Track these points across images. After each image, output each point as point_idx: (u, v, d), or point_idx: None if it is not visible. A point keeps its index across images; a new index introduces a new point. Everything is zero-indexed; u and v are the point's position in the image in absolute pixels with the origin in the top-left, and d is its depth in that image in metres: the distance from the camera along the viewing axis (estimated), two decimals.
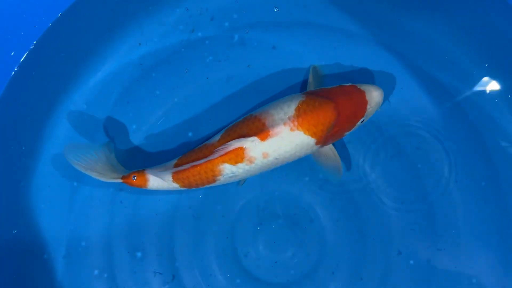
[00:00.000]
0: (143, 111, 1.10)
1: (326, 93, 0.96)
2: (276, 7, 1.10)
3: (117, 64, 1.10)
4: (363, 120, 0.98)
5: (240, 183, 1.07)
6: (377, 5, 1.08)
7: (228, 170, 0.96)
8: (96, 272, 1.08)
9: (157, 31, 1.10)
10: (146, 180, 1.01)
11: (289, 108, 0.95)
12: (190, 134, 1.10)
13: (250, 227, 1.09)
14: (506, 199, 1.07)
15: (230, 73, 1.10)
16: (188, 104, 1.10)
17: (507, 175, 1.07)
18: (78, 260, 1.08)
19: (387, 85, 1.08)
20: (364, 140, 1.09)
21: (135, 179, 1.00)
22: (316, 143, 0.96)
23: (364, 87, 0.97)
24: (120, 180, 1.01)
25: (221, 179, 0.99)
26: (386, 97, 1.08)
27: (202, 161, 0.96)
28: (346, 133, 1.00)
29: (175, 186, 1.00)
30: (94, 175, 1.00)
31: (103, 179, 1.00)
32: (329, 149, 1.01)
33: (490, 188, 1.08)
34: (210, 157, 0.95)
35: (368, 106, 0.96)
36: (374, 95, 0.96)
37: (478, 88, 1.08)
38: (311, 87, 1.05)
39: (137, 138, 1.10)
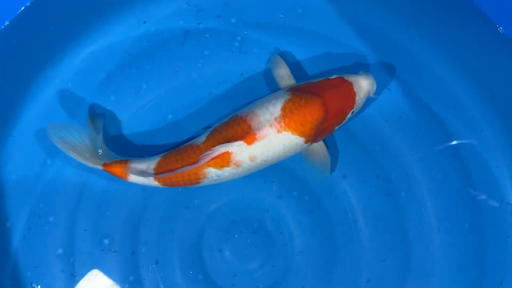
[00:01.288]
0: (131, 98, 1.07)
1: (312, 88, 0.92)
2: (282, 13, 1.07)
3: (118, 38, 1.08)
4: (353, 112, 0.95)
5: None
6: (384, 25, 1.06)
7: (213, 174, 0.93)
8: (60, 251, 1.06)
9: (156, 16, 1.08)
10: (127, 174, 0.97)
11: (275, 108, 0.91)
12: (174, 126, 1.07)
13: (220, 231, 1.07)
14: (485, 248, 1.05)
15: (223, 70, 1.07)
16: (177, 97, 1.07)
17: (490, 225, 1.05)
18: (41, 235, 1.06)
19: (386, 108, 1.05)
20: (348, 159, 1.06)
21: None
22: (306, 142, 0.93)
23: (351, 78, 0.93)
24: (100, 167, 0.97)
25: (205, 182, 0.95)
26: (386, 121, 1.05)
27: (186, 168, 0.92)
28: (337, 127, 0.97)
29: (155, 184, 0.97)
30: (75, 157, 0.96)
31: (85, 162, 0.97)
32: (319, 146, 0.98)
33: (471, 234, 1.05)
34: (195, 165, 0.91)
35: (357, 98, 0.93)
36: (362, 85, 0.93)
37: (476, 133, 1.06)
38: (284, 80, 1.00)
39: (122, 125, 1.07)
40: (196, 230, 1.07)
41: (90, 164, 0.97)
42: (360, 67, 1.05)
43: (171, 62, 1.07)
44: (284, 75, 1.00)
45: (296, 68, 1.05)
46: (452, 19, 1.07)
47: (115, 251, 1.06)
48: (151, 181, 0.96)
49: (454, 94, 1.06)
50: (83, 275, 1.05)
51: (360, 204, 1.05)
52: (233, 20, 1.08)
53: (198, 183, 0.95)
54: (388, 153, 1.06)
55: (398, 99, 1.06)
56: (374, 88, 0.95)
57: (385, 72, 1.06)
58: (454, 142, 1.06)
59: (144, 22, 1.07)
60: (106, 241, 1.06)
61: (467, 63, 1.06)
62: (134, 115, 1.07)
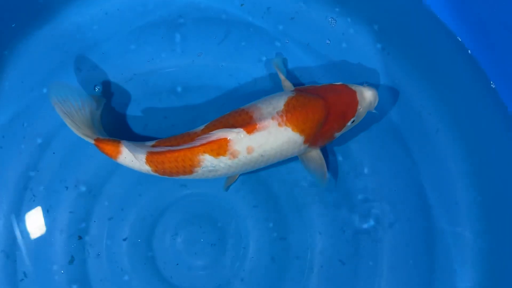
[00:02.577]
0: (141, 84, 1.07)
1: (316, 90, 0.93)
2: (328, 40, 1.09)
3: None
4: (354, 121, 0.95)
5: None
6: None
7: (208, 162, 0.90)
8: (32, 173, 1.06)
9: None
10: (118, 152, 0.95)
11: (278, 103, 0.91)
12: (174, 118, 1.07)
13: (184, 217, 1.06)
14: None
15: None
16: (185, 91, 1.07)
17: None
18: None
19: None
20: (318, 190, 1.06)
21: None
22: (305, 142, 0.92)
23: (356, 87, 0.95)
24: (92, 141, 0.95)
25: (199, 172, 0.92)
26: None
27: (182, 146, 0.90)
28: (336, 134, 0.96)
29: (146, 168, 0.94)
30: (69, 123, 0.95)
31: (77, 132, 0.95)
32: (317, 154, 0.98)
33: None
34: (191, 144, 0.89)
35: (359, 107, 0.94)
36: (365, 96, 0.94)
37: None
38: (286, 84, 1.02)
39: (121, 112, 1.07)
40: (163, 206, 1.06)
41: (82, 136, 0.95)
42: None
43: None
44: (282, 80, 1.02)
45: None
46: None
47: (79, 195, 1.05)
48: (142, 164, 0.93)
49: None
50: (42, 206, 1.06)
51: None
52: (280, 27, 1.09)
53: (191, 172, 0.92)
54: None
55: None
56: (376, 103, 0.96)
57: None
58: None
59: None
60: (74, 186, 1.06)
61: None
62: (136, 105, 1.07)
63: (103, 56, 1.07)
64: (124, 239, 1.05)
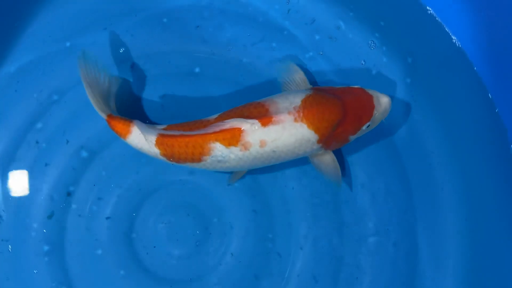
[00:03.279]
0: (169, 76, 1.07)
1: (333, 91, 0.93)
2: (363, 61, 1.09)
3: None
4: (369, 126, 0.94)
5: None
6: None
7: (218, 151, 0.89)
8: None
9: None
10: (128, 131, 0.93)
11: (295, 98, 0.90)
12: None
13: (173, 203, 1.04)
14: None
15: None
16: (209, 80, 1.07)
17: None
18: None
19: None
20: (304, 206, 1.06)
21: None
22: (318, 141, 0.91)
23: (372, 92, 0.94)
24: (105, 116, 0.94)
25: (208, 161, 0.91)
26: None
27: (194, 132, 0.88)
28: (351, 138, 0.95)
29: (155, 151, 0.92)
30: (88, 93, 0.94)
31: (94, 103, 0.94)
32: (330, 157, 0.97)
33: None
34: (204, 131, 0.88)
35: (374, 111, 0.93)
36: (382, 102, 0.94)
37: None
38: (301, 86, 1.00)
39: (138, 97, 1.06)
40: (156, 186, 1.04)
41: (97, 109, 0.94)
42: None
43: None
44: (299, 80, 1.01)
45: None
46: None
47: (79, 158, 1.04)
48: (151, 147, 0.92)
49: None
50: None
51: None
52: (317, 37, 1.09)
53: (200, 160, 0.91)
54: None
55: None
56: (388, 111, 0.96)
57: None
58: None
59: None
60: (77, 147, 1.04)
61: None
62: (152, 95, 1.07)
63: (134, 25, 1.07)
64: (108, 213, 1.04)
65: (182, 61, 1.07)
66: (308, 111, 0.88)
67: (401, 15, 1.08)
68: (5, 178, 1.03)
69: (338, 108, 0.90)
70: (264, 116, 0.88)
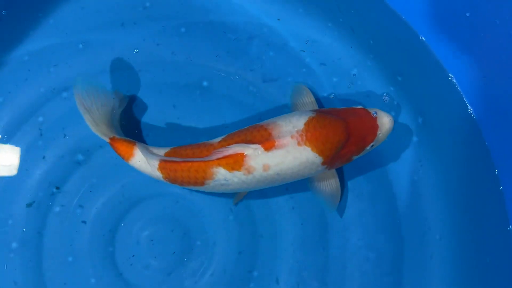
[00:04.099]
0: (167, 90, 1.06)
1: (337, 112, 0.92)
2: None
3: None
4: (373, 146, 0.94)
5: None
6: None
7: (221, 176, 0.88)
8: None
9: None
10: (131, 155, 0.93)
11: (298, 121, 0.89)
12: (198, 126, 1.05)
13: (160, 214, 1.02)
14: None
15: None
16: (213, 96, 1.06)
17: None
18: None
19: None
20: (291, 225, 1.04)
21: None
22: (322, 163, 0.90)
23: (375, 111, 0.94)
24: (107, 139, 0.93)
25: (211, 184, 0.90)
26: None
27: (197, 159, 0.88)
28: (354, 157, 0.94)
29: (157, 175, 0.92)
30: (87, 119, 0.92)
31: (94, 130, 0.93)
32: (331, 173, 0.97)
33: None
34: (207, 158, 0.87)
35: (378, 131, 0.92)
36: (384, 121, 0.93)
37: None
38: (308, 107, 1.00)
39: (141, 117, 1.05)
40: (145, 195, 1.03)
41: (98, 133, 0.93)
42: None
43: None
44: (308, 102, 1.01)
45: None
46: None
47: (75, 163, 1.03)
48: (154, 170, 0.91)
49: None
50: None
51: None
52: (334, 79, 1.08)
53: (203, 184, 0.90)
54: None
55: None
56: (391, 130, 0.95)
57: None
58: None
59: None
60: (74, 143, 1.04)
61: None
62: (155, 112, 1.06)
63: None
64: (91, 218, 1.02)
65: (191, 73, 1.06)
66: (311, 134, 0.88)
67: (420, 75, 1.07)
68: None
69: (342, 130, 0.89)
70: (266, 141, 0.87)
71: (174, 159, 0.90)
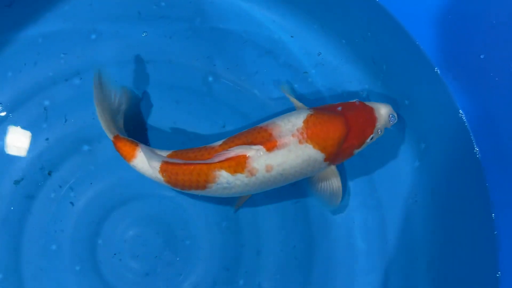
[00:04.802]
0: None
1: (334, 108, 0.92)
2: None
3: None
4: (372, 138, 0.94)
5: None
6: None
7: (223, 179, 0.87)
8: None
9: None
10: (133, 156, 0.92)
11: (297, 120, 0.89)
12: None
13: (148, 215, 1.01)
14: None
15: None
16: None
17: None
18: None
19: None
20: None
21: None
22: (325, 160, 0.90)
23: (372, 104, 0.94)
24: (111, 137, 0.92)
25: (213, 188, 0.89)
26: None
27: (199, 162, 0.87)
28: (356, 151, 0.94)
29: (158, 177, 0.90)
30: (99, 112, 0.92)
31: (103, 124, 0.92)
32: (332, 172, 0.96)
33: None
34: (208, 161, 0.87)
35: (377, 123, 0.93)
36: (382, 112, 0.93)
37: None
38: (299, 105, 1.00)
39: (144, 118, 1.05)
40: (138, 194, 1.01)
41: (105, 129, 0.93)
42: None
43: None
44: (296, 105, 1.01)
45: None
46: None
47: (76, 142, 1.02)
48: (155, 172, 0.90)
49: None
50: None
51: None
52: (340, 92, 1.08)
53: (204, 187, 0.89)
54: None
55: None
56: (395, 119, 0.94)
57: None
58: None
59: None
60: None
61: None
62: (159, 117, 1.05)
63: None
64: (80, 206, 1.01)
65: (194, 75, 1.05)
66: (311, 131, 0.88)
67: (429, 103, 1.06)
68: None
69: (342, 125, 0.89)
70: (268, 141, 0.87)
71: (177, 160, 0.89)
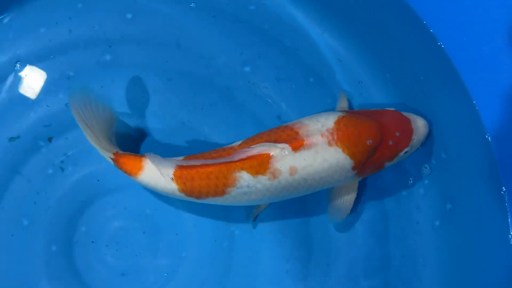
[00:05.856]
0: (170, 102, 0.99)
1: (368, 113, 0.86)
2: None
3: None
4: (407, 152, 0.86)
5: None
6: None
7: (244, 181, 0.80)
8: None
9: None
10: (140, 168, 0.83)
11: (327, 120, 0.82)
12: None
13: (138, 211, 0.94)
14: None
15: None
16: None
17: None
18: None
19: None
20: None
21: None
22: (353, 168, 0.82)
23: (409, 115, 0.88)
24: (111, 156, 0.84)
25: (232, 193, 0.82)
26: None
27: (217, 161, 0.80)
28: (387, 164, 0.87)
29: (172, 187, 0.82)
30: (88, 135, 0.83)
31: (96, 146, 0.84)
32: (352, 185, 0.89)
33: None
34: (229, 158, 0.79)
35: (413, 136, 0.86)
36: (420, 125, 0.87)
37: None
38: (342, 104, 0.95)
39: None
40: (129, 182, 0.92)
41: (101, 150, 0.84)
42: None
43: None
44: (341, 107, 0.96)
45: None
46: None
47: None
48: (168, 182, 0.82)
49: None
50: None
51: None
52: None
53: (223, 193, 0.82)
54: None
55: None
56: (426, 136, 0.89)
57: None
58: None
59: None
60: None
61: None
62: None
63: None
64: (70, 183, 0.95)
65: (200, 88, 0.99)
66: (342, 133, 0.81)
67: (468, 160, 0.97)
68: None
69: (376, 130, 0.82)
70: (294, 140, 0.80)
71: (193, 162, 0.80)
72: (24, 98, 0.96)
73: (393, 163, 0.87)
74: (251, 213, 0.92)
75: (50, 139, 0.95)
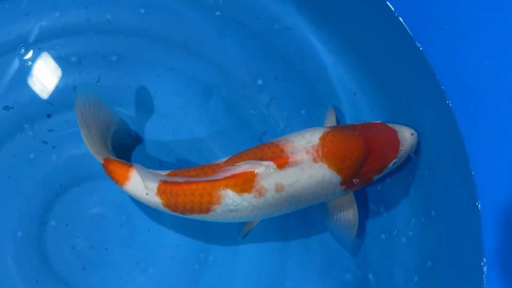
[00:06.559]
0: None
1: (354, 127, 0.86)
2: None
3: None
4: (395, 163, 0.87)
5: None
6: None
7: (229, 199, 0.79)
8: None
9: None
10: (126, 178, 0.83)
11: (313, 136, 0.82)
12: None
13: (117, 205, 0.93)
14: None
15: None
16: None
17: None
18: None
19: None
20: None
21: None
22: (341, 183, 0.82)
23: (395, 126, 0.88)
24: (101, 160, 0.84)
25: (217, 211, 0.81)
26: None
27: (202, 178, 0.79)
28: (375, 177, 0.87)
29: (156, 201, 0.82)
30: (84, 134, 0.84)
31: (90, 147, 0.84)
32: (348, 197, 0.88)
33: None
34: (213, 177, 0.79)
35: (400, 147, 0.86)
36: (406, 136, 0.87)
37: None
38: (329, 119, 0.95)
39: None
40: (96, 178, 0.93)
41: (92, 152, 0.84)
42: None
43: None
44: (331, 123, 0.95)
45: None
46: None
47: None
48: (152, 196, 0.82)
49: None
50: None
51: None
52: None
53: (208, 210, 0.81)
54: None
55: None
56: (416, 145, 0.89)
57: None
58: None
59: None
60: None
61: None
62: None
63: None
64: (53, 160, 0.94)
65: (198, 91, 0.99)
66: (328, 149, 0.80)
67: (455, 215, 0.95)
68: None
69: (361, 145, 0.82)
70: (279, 158, 0.79)
71: (177, 178, 0.80)
72: (31, 80, 0.96)
73: (382, 175, 0.87)
74: (241, 230, 0.91)
75: (49, 115, 0.95)
